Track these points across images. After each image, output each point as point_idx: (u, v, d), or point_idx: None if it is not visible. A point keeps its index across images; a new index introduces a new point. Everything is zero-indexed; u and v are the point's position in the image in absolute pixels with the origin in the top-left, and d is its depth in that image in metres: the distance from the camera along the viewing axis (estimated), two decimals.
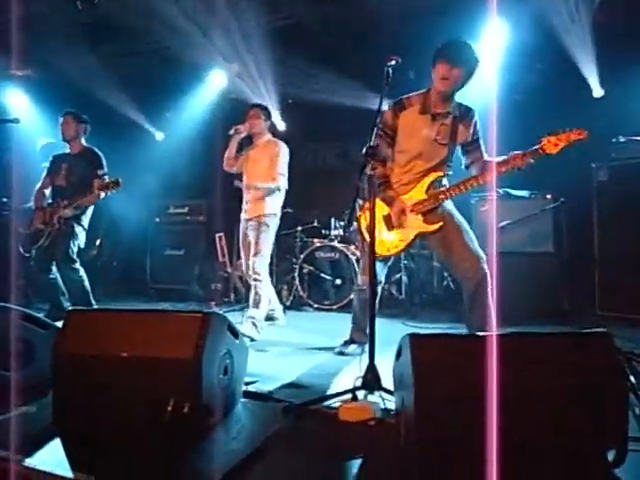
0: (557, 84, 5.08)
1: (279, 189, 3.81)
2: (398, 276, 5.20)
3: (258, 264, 3.70)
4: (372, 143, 2.26)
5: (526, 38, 4.89)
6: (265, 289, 3.72)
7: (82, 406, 1.81)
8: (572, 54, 4.89)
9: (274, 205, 3.83)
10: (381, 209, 2.91)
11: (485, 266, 2.69)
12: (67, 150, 4.28)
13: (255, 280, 3.71)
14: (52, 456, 1.61)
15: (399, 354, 1.72)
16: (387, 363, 1.95)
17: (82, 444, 1.74)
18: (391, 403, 1.93)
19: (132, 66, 6.31)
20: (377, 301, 3.08)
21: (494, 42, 5.00)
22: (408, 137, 2.84)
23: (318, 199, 5.93)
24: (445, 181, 2.89)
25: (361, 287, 3.08)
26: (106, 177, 4.07)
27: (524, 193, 4.49)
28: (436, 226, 2.77)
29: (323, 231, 5.57)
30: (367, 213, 2.93)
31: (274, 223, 3.84)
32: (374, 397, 2.05)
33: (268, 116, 4.00)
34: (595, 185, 4.29)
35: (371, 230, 2.23)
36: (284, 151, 3.87)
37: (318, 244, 5.37)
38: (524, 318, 3.87)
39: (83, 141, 4.27)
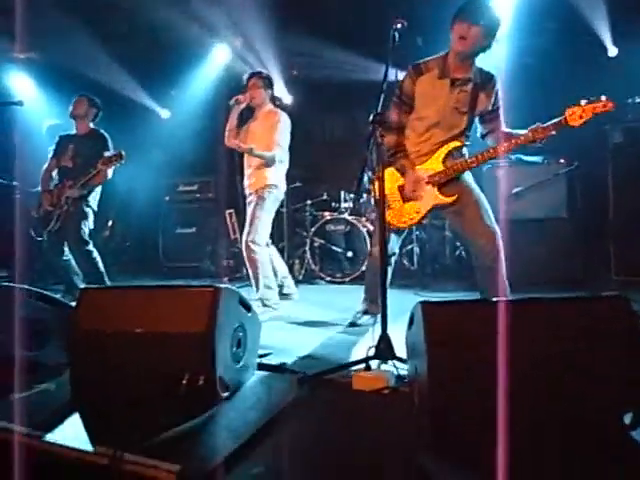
0: (570, 45, 4.93)
1: (274, 160, 3.60)
2: (410, 247, 5.18)
3: (249, 240, 3.54)
4: (379, 110, 2.21)
5: None
6: (263, 268, 3.56)
7: (99, 382, 1.83)
8: (584, 12, 4.72)
9: (274, 177, 3.65)
10: (396, 179, 2.86)
11: (500, 242, 2.63)
12: (73, 131, 4.26)
13: (249, 260, 3.56)
14: (72, 431, 1.64)
15: (411, 322, 1.71)
16: (400, 332, 1.94)
17: (100, 419, 1.78)
18: (404, 372, 1.94)
19: (135, 45, 6.23)
20: (390, 273, 3.06)
21: (503, 2, 4.84)
22: (426, 104, 2.73)
23: (327, 172, 5.88)
24: (464, 151, 2.80)
25: (375, 257, 3.00)
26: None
27: (537, 159, 4.41)
28: (452, 198, 2.69)
29: (333, 204, 5.54)
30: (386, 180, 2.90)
31: (272, 196, 3.65)
32: (387, 366, 2.05)
33: (269, 85, 3.80)
34: (610, 147, 4.20)
35: (381, 200, 2.21)
36: (284, 121, 3.68)
37: (328, 217, 5.35)
38: (539, 284, 3.84)
39: (91, 123, 4.25)
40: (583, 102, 2.43)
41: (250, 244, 3.54)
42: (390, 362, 2.05)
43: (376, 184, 2.92)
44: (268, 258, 3.68)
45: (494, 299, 1.53)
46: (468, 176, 2.79)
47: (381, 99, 2.26)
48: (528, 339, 1.38)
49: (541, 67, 5.03)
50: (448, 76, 2.67)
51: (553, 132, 2.51)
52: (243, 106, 3.71)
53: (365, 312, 3.15)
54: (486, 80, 2.70)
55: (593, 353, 1.41)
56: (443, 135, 2.74)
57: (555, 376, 1.38)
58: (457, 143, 2.74)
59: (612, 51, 4.98)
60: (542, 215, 4.28)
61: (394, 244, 3.01)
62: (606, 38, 4.92)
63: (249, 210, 3.67)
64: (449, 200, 2.70)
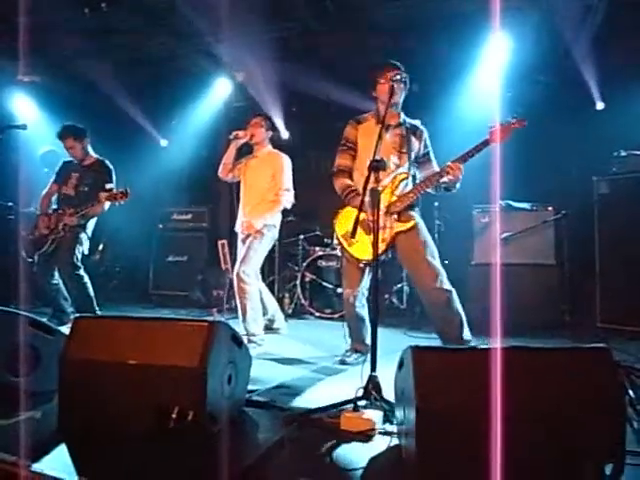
0: (559, 97, 5.13)
1: (280, 206, 3.71)
2: (400, 286, 5.22)
3: (243, 271, 3.54)
4: (377, 157, 2.30)
5: (528, 51, 4.95)
6: (252, 299, 3.57)
7: (87, 412, 1.83)
8: (574, 67, 4.94)
9: (275, 218, 3.75)
10: (352, 216, 2.92)
11: (445, 282, 2.81)
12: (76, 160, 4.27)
13: (239, 289, 3.55)
14: (58, 461, 1.64)
15: (401, 365, 1.74)
16: (388, 372, 1.97)
17: (87, 449, 1.77)
18: (392, 414, 1.95)
19: (138, 73, 6.37)
20: (366, 312, 3.12)
21: (497, 55, 5.06)
22: (368, 148, 2.78)
23: (320, 208, 5.95)
24: (410, 184, 3.02)
25: (350, 303, 3.06)
26: (113, 190, 4.06)
27: (526, 205, 4.53)
28: (411, 223, 2.89)
29: (325, 240, 5.59)
30: (341, 219, 3.10)
31: (271, 235, 3.72)
32: (375, 407, 2.07)
33: (270, 127, 3.93)
34: (596, 198, 4.32)
35: (374, 243, 2.27)
36: (287, 165, 3.80)
37: (320, 253, 5.40)
38: (526, 329, 3.89)
39: (92, 153, 4.29)
40: (504, 122, 2.75)
41: (242, 274, 3.55)
42: (378, 403, 2.07)
43: (336, 222, 3.10)
44: (257, 291, 3.69)
45: (482, 347, 1.57)
46: (418, 217, 2.99)
47: (379, 146, 2.35)
48: (514, 387, 1.42)
49: (532, 116, 5.21)
50: (383, 122, 2.79)
51: (472, 156, 2.77)
52: (242, 142, 3.79)
53: (355, 350, 3.17)
54: (414, 127, 3.09)
55: (576, 403, 1.45)
56: (388, 174, 2.95)
57: (539, 424, 1.42)
58: (403, 175, 2.99)
59: (599, 105, 5.18)
60: (530, 261, 4.36)
61: (365, 285, 3.06)
62: (594, 92, 5.13)
63: (246, 243, 3.67)
64: (409, 225, 2.89)
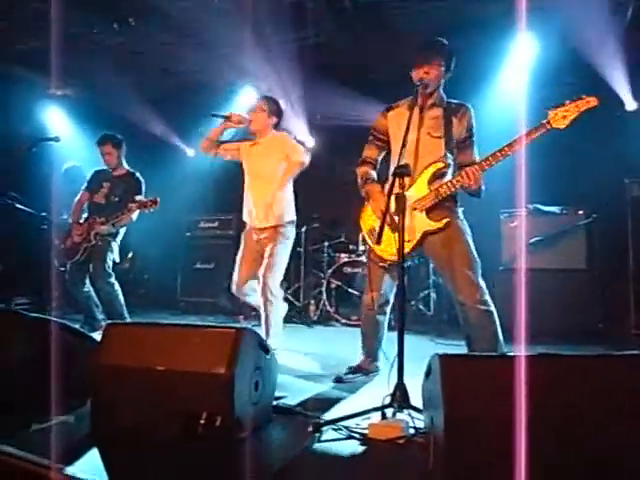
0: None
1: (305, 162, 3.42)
2: (426, 292, 5.17)
3: (272, 280, 3.27)
4: (401, 162, 2.28)
5: (556, 52, 4.87)
6: (278, 313, 3.33)
7: (118, 417, 1.87)
8: (603, 67, 4.84)
9: (292, 212, 3.49)
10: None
11: (483, 300, 2.51)
12: (109, 168, 4.36)
13: (266, 302, 3.26)
14: (90, 465, 1.67)
15: (428, 373, 1.72)
16: (416, 380, 1.95)
17: (118, 454, 1.80)
18: (420, 422, 1.93)
19: (165, 85, 6.52)
20: (385, 325, 2.93)
21: (523, 56, 5.00)
22: (399, 136, 2.53)
23: (345, 214, 5.96)
24: (448, 174, 2.69)
25: (369, 307, 2.82)
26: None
27: (555, 209, 4.45)
28: (443, 222, 2.57)
29: (351, 246, 5.59)
30: (364, 217, 2.88)
31: (293, 233, 3.48)
32: (403, 415, 2.05)
33: (275, 112, 3.46)
34: (629, 200, 4.21)
35: (400, 249, 2.23)
36: (291, 137, 3.56)
37: (346, 259, 5.40)
38: (556, 336, 3.81)
39: (125, 164, 4.39)
40: (565, 102, 2.39)
41: (271, 286, 3.28)
42: (405, 411, 2.05)
43: (362, 217, 2.87)
44: (284, 303, 3.52)
45: (511, 354, 1.55)
46: (459, 220, 2.68)
47: (403, 152, 2.33)
48: (545, 396, 1.39)
49: None
50: (416, 105, 2.63)
51: (537, 136, 2.42)
52: (233, 126, 3.44)
53: (358, 369, 2.93)
54: (456, 107, 2.71)
55: (610, 412, 1.41)
56: (422, 163, 2.66)
57: (571, 434, 1.38)
58: (440, 164, 2.64)
59: (630, 105, 5.05)
60: (560, 266, 4.27)
61: (388, 290, 2.84)
62: (625, 93, 5.00)
63: (267, 249, 3.37)
64: (440, 225, 2.58)
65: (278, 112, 3.49)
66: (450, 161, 2.69)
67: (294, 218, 3.54)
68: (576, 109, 2.38)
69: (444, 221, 2.58)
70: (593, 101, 2.38)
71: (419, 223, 2.62)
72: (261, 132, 3.47)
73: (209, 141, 3.48)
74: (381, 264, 2.77)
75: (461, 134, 2.68)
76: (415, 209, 2.62)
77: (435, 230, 2.60)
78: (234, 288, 3.55)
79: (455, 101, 2.75)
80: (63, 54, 4.99)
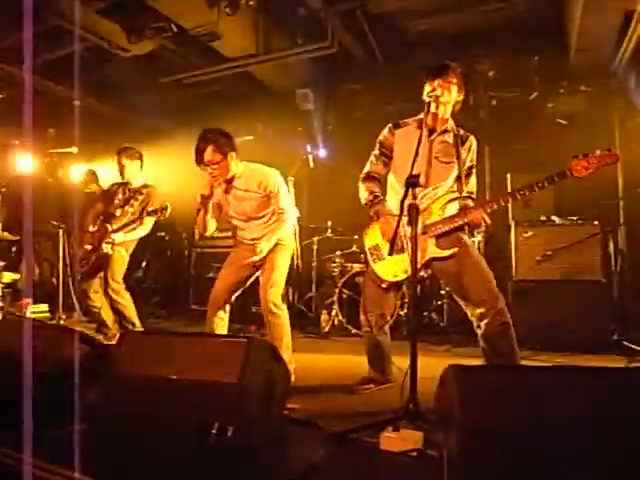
0: (600, 105, 5.00)
1: (286, 223, 3.13)
2: (440, 302, 5.13)
3: (275, 293, 3.02)
4: (414, 172, 2.27)
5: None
6: (287, 326, 3.10)
7: (131, 425, 1.87)
8: (617, 74, 4.82)
9: (288, 216, 3.17)
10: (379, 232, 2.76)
11: (498, 313, 2.49)
12: (125, 180, 4.40)
13: (273, 317, 3.01)
14: (106, 472, 1.67)
15: (442, 385, 1.70)
16: (429, 392, 1.93)
17: (130, 462, 1.80)
18: (434, 434, 1.91)
19: (182, 96, 6.61)
20: (388, 339, 2.91)
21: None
22: (405, 158, 2.51)
23: (357, 224, 5.95)
24: (463, 202, 2.69)
25: (366, 329, 2.84)
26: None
27: (569, 219, 4.40)
28: (450, 251, 2.55)
29: (362, 256, 5.57)
30: (370, 232, 2.86)
31: (291, 237, 3.27)
32: (416, 427, 2.03)
33: (228, 145, 2.97)
34: None
35: (413, 261, 2.20)
36: (280, 182, 3.10)
37: (358, 269, 5.37)
38: (572, 348, 3.76)
39: (141, 177, 4.42)
40: (590, 155, 2.39)
41: (275, 299, 3.01)
42: (419, 423, 2.03)
43: (366, 232, 2.86)
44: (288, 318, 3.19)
45: (527, 366, 1.52)
46: (467, 238, 2.67)
47: (415, 162, 2.32)
48: (560, 409, 1.37)
49: (571, 126, 5.10)
50: (425, 127, 2.61)
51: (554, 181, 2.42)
52: (209, 200, 3.04)
53: (369, 381, 2.90)
54: (465, 135, 2.72)
55: (629, 424, 1.38)
56: (427, 189, 2.64)
57: (586, 448, 1.36)
58: (453, 194, 2.65)
59: None
60: (575, 277, 4.21)
61: (387, 310, 2.82)
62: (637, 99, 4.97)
63: (266, 260, 3.08)
64: (446, 254, 2.56)
65: (230, 144, 3.00)
66: (456, 187, 2.71)
67: (294, 221, 3.35)
68: (598, 163, 2.38)
69: (451, 251, 2.57)
70: (615, 158, 2.39)
71: (427, 248, 2.61)
72: (232, 175, 3.07)
73: (204, 224, 3.13)
74: (380, 284, 2.77)
75: (466, 163, 2.71)
76: (424, 233, 2.60)
77: (442, 258, 2.60)
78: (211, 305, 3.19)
79: (462, 130, 2.77)
80: (87, 66, 5.22)
